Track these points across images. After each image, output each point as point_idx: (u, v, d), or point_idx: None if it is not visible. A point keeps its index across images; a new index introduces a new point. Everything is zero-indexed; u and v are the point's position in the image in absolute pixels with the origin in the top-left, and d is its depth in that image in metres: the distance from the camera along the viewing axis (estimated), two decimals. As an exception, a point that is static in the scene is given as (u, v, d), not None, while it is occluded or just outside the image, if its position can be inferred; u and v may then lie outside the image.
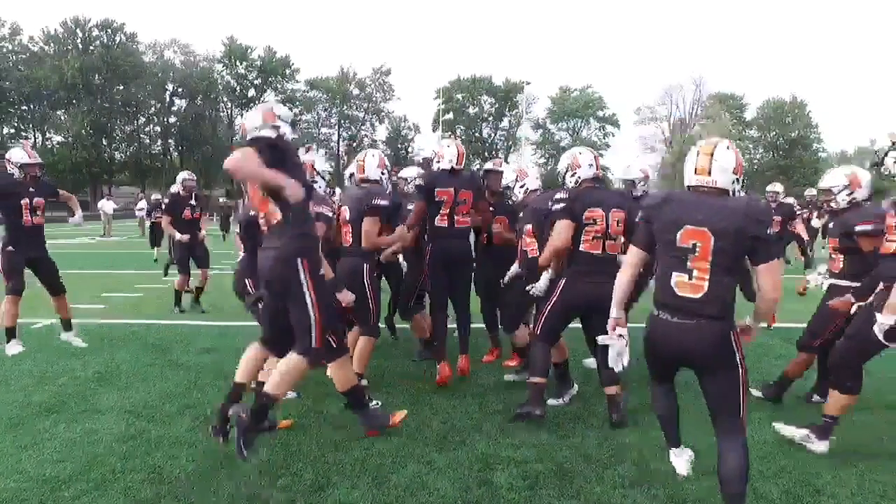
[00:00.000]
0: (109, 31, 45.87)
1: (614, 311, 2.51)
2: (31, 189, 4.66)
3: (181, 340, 5.44)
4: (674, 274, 2.26)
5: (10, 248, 4.61)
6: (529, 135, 54.39)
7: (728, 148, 2.27)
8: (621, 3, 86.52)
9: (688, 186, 2.33)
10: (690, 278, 2.22)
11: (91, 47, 45.12)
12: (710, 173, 2.25)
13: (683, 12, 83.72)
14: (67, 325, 5.08)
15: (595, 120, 53.75)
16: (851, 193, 3.43)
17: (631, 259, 2.49)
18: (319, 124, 54.91)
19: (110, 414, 3.52)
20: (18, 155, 4.62)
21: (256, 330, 5.00)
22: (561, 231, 3.37)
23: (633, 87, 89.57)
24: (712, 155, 2.25)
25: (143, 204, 22.26)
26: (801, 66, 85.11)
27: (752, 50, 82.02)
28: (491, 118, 55.15)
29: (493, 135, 55.50)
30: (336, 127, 55.18)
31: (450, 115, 53.18)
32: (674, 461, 2.83)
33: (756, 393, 3.91)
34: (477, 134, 54.21)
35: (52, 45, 44.85)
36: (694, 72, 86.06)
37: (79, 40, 45.10)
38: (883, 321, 2.73)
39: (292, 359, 2.73)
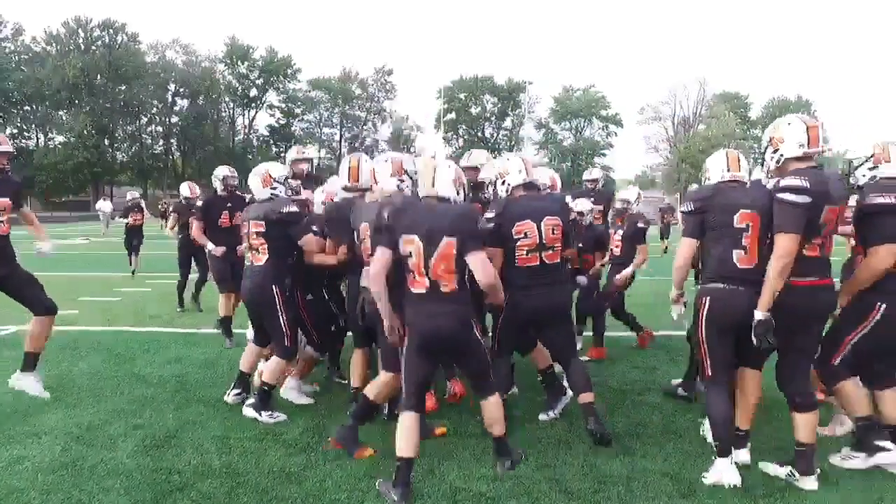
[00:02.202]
0: (111, 31, 45.82)
1: (675, 289, 3.11)
2: None
3: (148, 350, 5.15)
4: (734, 251, 2.72)
5: None
6: (532, 134, 54.09)
7: (743, 155, 3.09)
8: (625, 2, 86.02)
9: (719, 182, 2.96)
10: (746, 253, 2.71)
11: (93, 47, 45.08)
12: (740, 170, 2.97)
13: (687, 11, 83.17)
14: (32, 363, 3.73)
15: (598, 119, 53.35)
16: (874, 167, 3.46)
17: (685, 251, 2.90)
18: (321, 124, 54.73)
19: (48, 437, 3.21)
20: None
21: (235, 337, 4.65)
22: (491, 260, 3.07)
23: (636, 87, 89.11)
24: (739, 159, 3.02)
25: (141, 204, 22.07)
26: (807, 66, 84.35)
27: (756, 49, 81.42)
28: (493, 118, 54.84)
29: (495, 134, 55.17)
30: (338, 127, 54.96)
31: (452, 115, 52.90)
32: (723, 476, 2.71)
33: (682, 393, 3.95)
34: (479, 134, 53.87)
35: (54, 45, 44.80)
36: (698, 71, 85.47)
37: (81, 40, 45.06)
38: (758, 316, 2.57)
39: (491, 401, 2.87)
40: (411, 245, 2.66)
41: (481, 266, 2.63)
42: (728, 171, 2.96)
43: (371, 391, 3.13)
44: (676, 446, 3.19)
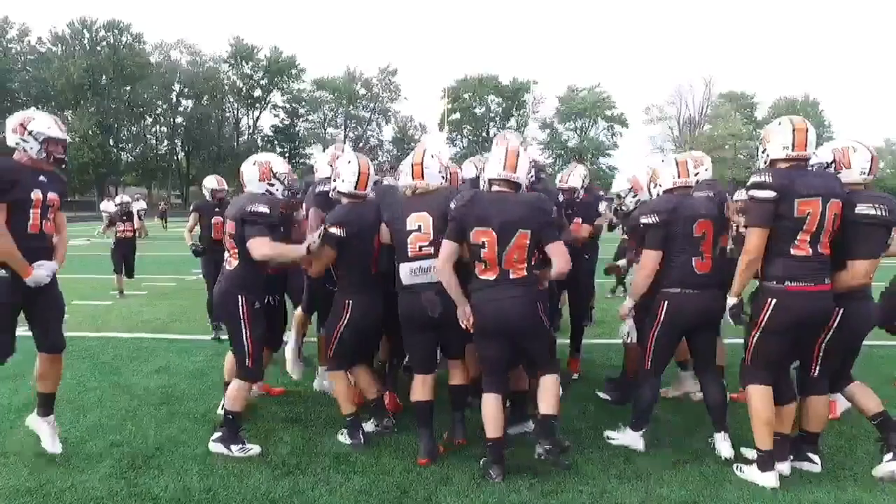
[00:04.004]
0: (116, 31, 45.86)
1: (631, 301, 3.19)
2: (41, 178, 2.89)
3: (136, 358, 4.94)
4: (693, 259, 2.95)
5: (1, 272, 2.76)
6: (537, 135, 53.75)
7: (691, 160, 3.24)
8: (630, 1, 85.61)
9: (673, 187, 3.11)
10: (703, 259, 2.96)
11: (98, 48, 45.12)
12: (689, 176, 3.12)
13: (693, 10, 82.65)
14: (47, 405, 3.05)
15: (603, 119, 52.97)
16: (636, 196, 3.78)
17: (651, 263, 3.00)
18: (326, 124, 54.63)
19: (17, 458, 2.99)
20: (44, 123, 2.88)
21: (220, 346, 4.42)
22: (442, 253, 2.80)
23: (642, 86, 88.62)
24: (687, 164, 3.15)
25: (142, 204, 21.77)
26: (814, 65, 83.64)
27: (763, 48, 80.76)
28: (498, 118, 54.54)
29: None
30: (342, 127, 54.86)
31: (456, 115, 52.66)
32: (631, 442, 3.12)
33: (603, 395, 3.96)
34: (484, 134, 53.60)
35: (59, 45, 44.90)
36: (704, 70, 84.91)
37: (86, 41, 45.16)
38: (730, 302, 2.79)
39: (551, 378, 2.86)
40: (485, 236, 2.69)
41: (563, 255, 2.74)
42: (679, 177, 3.08)
43: (453, 380, 3.18)
44: (694, 469, 2.94)
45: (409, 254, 2.94)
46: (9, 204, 2.74)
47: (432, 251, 2.89)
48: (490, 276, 2.73)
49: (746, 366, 2.83)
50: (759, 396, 2.77)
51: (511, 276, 2.71)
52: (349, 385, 3.32)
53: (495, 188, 2.81)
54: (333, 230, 3.07)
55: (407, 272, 2.94)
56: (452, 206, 2.77)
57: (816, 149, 2.77)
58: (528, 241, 2.69)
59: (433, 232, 2.90)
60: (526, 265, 2.73)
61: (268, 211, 2.96)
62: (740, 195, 4.58)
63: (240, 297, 3.03)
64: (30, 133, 2.85)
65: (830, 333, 2.77)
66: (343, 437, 3.22)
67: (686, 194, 3.05)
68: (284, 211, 3.37)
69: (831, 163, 2.81)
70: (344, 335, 3.18)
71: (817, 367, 2.85)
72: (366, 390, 3.40)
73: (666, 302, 2.99)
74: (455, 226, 2.75)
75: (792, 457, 2.89)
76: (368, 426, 3.31)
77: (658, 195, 3.21)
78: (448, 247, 2.76)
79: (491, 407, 2.81)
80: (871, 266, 2.66)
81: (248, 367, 3.07)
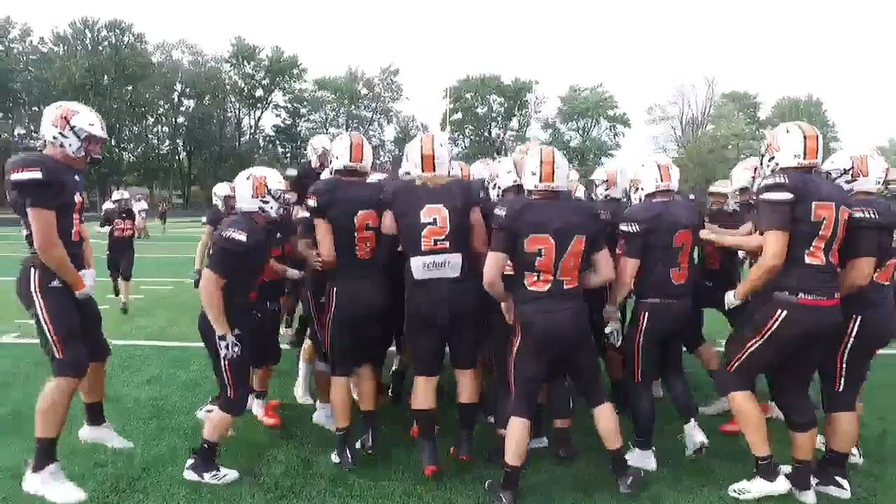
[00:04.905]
0: (118, 31, 45.78)
1: (610, 307, 3.06)
2: (76, 178, 2.68)
3: (128, 367, 4.78)
4: (671, 270, 2.95)
5: (55, 283, 2.65)
6: (539, 134, 53.55)
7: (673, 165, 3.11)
8: (633, 1, 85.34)
9: (655, 190, 3.02)
10: (680, 270, 2.97)
11: (100, 48, 45.05)
12: (671, 179, 3.02)
13: (696, 10, 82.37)
14: (97, 414, 3.17)
15: (605, 119, 52.75)
16: (607, 190, 3.72)
17: (630, 271, 2.95)
18: (327, 124, 54.52)
19: (-7, 479, 2.83)
20: (87, 119, 2.65)
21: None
22: (490, 265, 2.67)
23: (644, 86, 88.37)
24: (669, 169, 3.03)
25: (143, 204, 21.62)
26: (818, 65, 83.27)
27: (766, 48, 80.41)
28: (500, 118, 54.37)
29: (502, 135, 54.71)
30: (344, 127, 54.74)
31: (458, 115, 52.51)
32: (642, 462, 3.00)
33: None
34: (486, 134, 53.46)
35: (61, 45, 44.84)
36: (706, 70, 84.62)
37: (87, 41, 45.08)
38: (736, 301, 2.80)
39: (608, 408, 2.81)
40: (543, 244, 2.59)
41: (609, 263, 2.77)
42: (661, 181, 2.99)
43: (463, 396, 3.00)
44: (713, 493, 2.77)
45: (423, 248, 2.78)
46: (57, 209, 2.53)
47: (448, 245, 2.77)
48: (542, 288, 2.62)
49: (729, 373, 2.75)
50: (744, 399, 2.72)
51: (565, 287, 2.64)
52: (348, 396, 3.10)
53: (537, 197, 2.69)
54: (309, 200, 2.94)
55: (420, 266, 2.79)
56: (500, 213, 2.64)
57: (827, 153, 2.73)
58: (582, 248, 2.63)
59: (449, 225, 2.76)
60: (577, 274, 2.67)
61: (244, 240, 2.70)
62: (721, 187, 4.24)
63: None
64: (72, 128, 2.60)
65: (850, 343, 2.69)
66: (334, 456, 3.05)
67: (668, 200, 3.00)
68: (282, 220, 3.17)
69: (849, 169, 2.74)
70: (334, 329, 3.01)
71: (842, 381, 2.75)
72: (363, 397, 3.18)
73: (647, 312, 2.99)
74: (505, 235, 2.61)
75: (817, 481, 2.72)
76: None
77: (640, 200, 3.12)
78: (496, 258, 2.63)
79: (519, 434, 2.65)
80: (869, 265, 2.62)
81: (229, 398, 2.81)
